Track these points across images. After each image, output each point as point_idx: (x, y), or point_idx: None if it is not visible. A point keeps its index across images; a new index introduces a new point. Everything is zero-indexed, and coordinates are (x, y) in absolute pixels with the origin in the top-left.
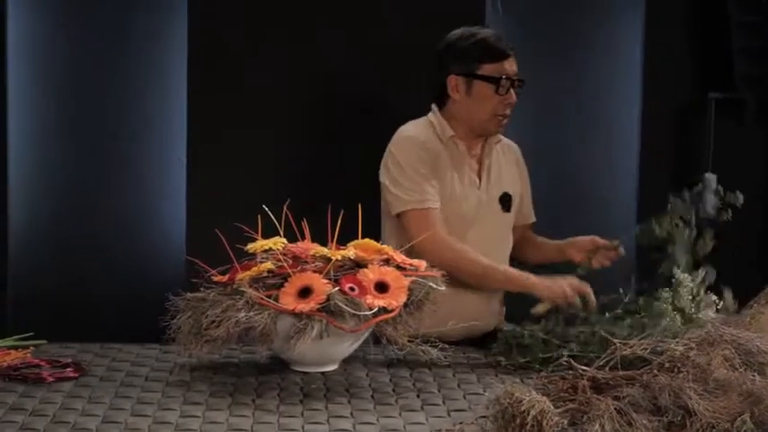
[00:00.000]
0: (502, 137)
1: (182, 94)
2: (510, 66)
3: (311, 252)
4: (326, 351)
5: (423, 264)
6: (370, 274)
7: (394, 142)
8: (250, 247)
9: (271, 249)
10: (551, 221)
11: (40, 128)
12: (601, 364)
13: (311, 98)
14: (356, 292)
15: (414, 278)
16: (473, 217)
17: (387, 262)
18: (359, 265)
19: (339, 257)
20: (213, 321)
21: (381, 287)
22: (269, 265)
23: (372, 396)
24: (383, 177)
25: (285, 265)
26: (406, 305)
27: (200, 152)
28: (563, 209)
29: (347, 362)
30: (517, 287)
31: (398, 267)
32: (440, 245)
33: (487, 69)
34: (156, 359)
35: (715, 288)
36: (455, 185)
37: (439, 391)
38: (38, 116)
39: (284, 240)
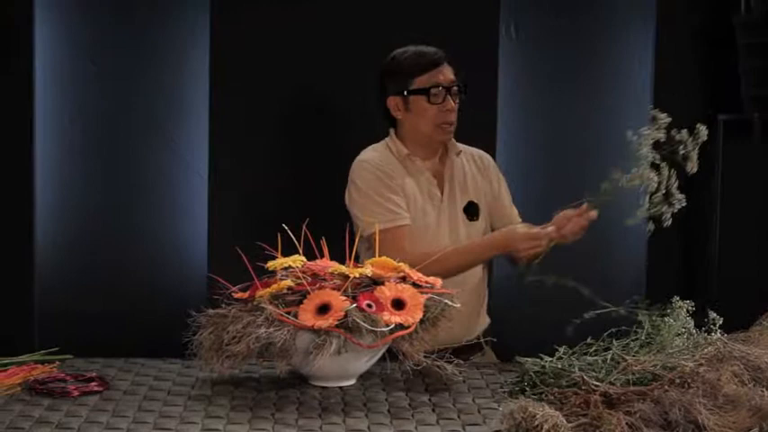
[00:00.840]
0: (463, 147)
1: (203, 114)
2: (442, 74)
3: (330, 270)
4: (344, 366)
5: (438, 281)
6: (387, 292)
7: (353, 169)
8: (270, 264)
9: (290, 267)
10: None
11: (64, 147)
12: (613, 379)
13: (334, 117)
14: (373, 308)
15: (429, 295)
16: (437, 229)
17: (403, 279)
18: (376, 282)
19: (357, 275)
20: (234, 337)
21: (398, 304)
22: (288, 282)
23: (389, 410)
24: (350, 207)
25: (304, 282)
26: (421, 321)
27: (222, 171)
28: None
29: (364, 377)
30: (499, 249)
31: (415, 285)
32: (415, 259)
33: (419, 82)
34: (179, 374)
35: (702, 311)
36: (417, 201)
37: (454, 405)
38: (62, 136)
39: (303, 258)
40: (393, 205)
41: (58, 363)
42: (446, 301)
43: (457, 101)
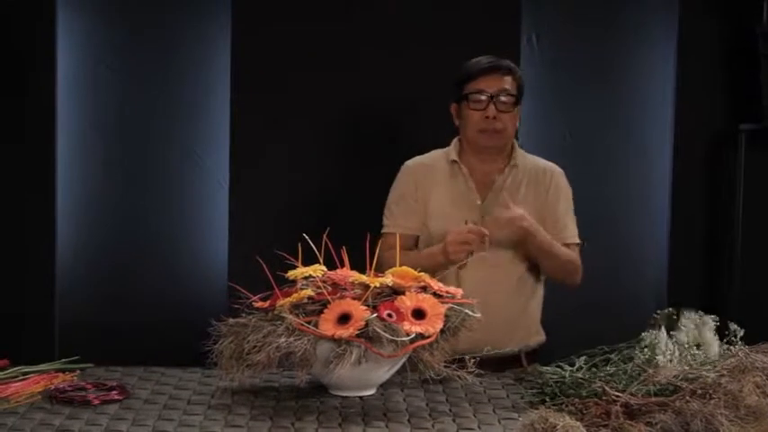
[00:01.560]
0: (532, 160)
1: (224, 123)
2: (488, 82)
3: (350, 279)
4: (365, 376)
5: (459, 291)
6: (408, 301)
7: None
8: (291, 273)
9: (311, 276)
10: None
11: (85, 157)
12: (634, 390)
13: (353, 126)
14: (394, 318)
15: (450, 305)
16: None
17: (424, 289)
18: (396, 292)
19: (377, 284)
20: (254, 346)
21: (418, 314)
22: (309, 291)
23: (409, 420)
24: None
25: (325, 291)
26: (442, 331)
27: (243, 180)
28: (594, 238)
29: (384, 386)
30: (434, 263)
31: (435, 295)
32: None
33: (467, 88)
34: (199, 383)
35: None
36: (445, 204)
37: (474, 415)
38: (83, 146)
39: (324, 267)
40: (398, 211)
41: (78, 371)
42: (467, 311)
43: (506, 110)
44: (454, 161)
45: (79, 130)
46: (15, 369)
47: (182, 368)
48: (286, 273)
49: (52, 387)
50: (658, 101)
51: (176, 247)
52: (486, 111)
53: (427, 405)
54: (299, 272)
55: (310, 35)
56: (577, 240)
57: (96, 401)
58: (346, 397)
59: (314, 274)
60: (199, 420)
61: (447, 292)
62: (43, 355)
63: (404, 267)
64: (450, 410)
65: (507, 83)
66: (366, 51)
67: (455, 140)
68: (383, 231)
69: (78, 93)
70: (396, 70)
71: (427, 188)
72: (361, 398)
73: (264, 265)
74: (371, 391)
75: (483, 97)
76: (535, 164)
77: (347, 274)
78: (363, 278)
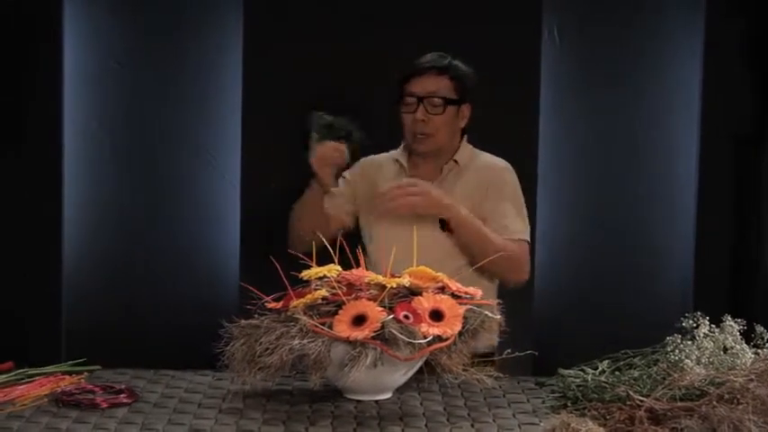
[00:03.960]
0: (479, 156)
1: (236, 121)
2: (419, 84)
3: (366, 279)
4: (380, 379)
5: (478, 292)
6: (425, 303)
7: None
8: (304, 274)
9: (325, 276)
10: (606, 248)
11: (93, 156)
12: (659, 395)
13: (368, 125)
14: (411, 320)
15: (469, 306)
16: (405, 233)
17: (442, 290)
18: (413, 292)
19: (394, 285)
20: (267, 348)
21: (436, 315)
22: (323, 292)
23: (426, 425)
24: None
25: (339, 292)
26: (460, 334)
27: (254, 179)
28: (619, 240)
29: (401, 390)
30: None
31: (453, 296)
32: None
33: (403, 89)
34: (210, 386)
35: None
36: None
37: (494, 420)
38: (91, 145)
39: (339, 268)
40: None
41: (85, 374)
42: (486, 312)
43: (436, 113)
44: (396, 160)
45: (87, 128)
46: (21, 371)
47: (192, 371)
48: (299, 273)
49: (59, 390)
50: (684, 100)
51: (187, 247)
52: (415, 114)
53: (445, 409)
54: (314, 272)
55: (323, 32)
56: (523, 237)
57: (104, 405)
58: (361, 401)
59: (328, 275)
60: (210, 425)
61: (466, 293)
62: (50, 357)
63: (421, 267)
64: (469, 415)
65: (442, 84)
66: (380, 49)
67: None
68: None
69: (86, 89)
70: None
71: (371, 185)
72: (376, 402)
73: (278, 265)
74: (387, 395)
75: (412, 100)
76: (482, 161)
77: (363, 274)
78: (379, 278)
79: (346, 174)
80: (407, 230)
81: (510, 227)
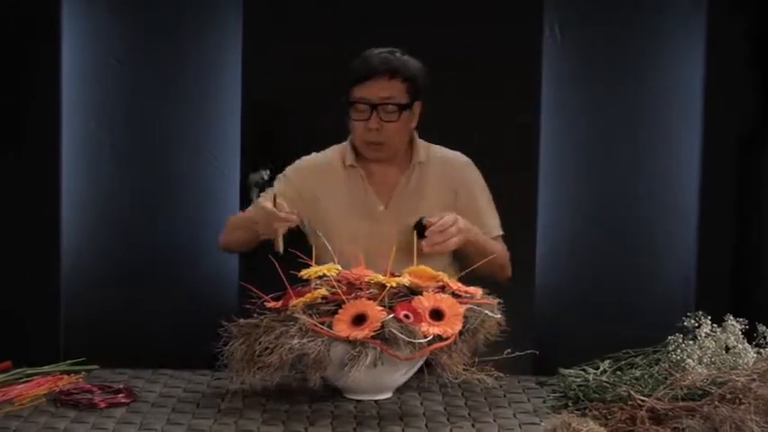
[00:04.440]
0: (436, 153)
1: (235, 120)
2: (372, 88)
3: (366, 279)
4: (380, 379)
5: (479, 291)
6: (425, 302)
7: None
8: (304, 273)
9: (325, 275)
10: (607, 247)
11: (91, 155)
12: (660, 394)
13: None
14: (411, 319)
15: (469, 306)
16: (373, 243)
17: (442, 289)
18: (414, 292)
19: (394, 284)
20: (266, 348)
21: (436, 314)
22: (323, 291)
23: (426, 425)
24: None
25: (339, 291)
26: (461, 333)
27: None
28: (621, 239)
29: (401, 390)
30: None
31: (454, 295)
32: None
33: (352, 93)
34: (208, 385)
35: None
36: (343, 211)
37: (495, 420)
38: (89, 143)
39: (338, 267)
40: (274, 191)
41: (84, 373)
42: (486, 311)
43: (391, 120)
44: (351, 165)
45: (85, 128)
46: (19, 371)
47: (191, 370)
48: (299, 272)
49: (57, 389)
50: (685, 99)
51: (186, 246)
52: (368, 122)
53: (445, 409)
54: (313, 271)
55: (324, 31)
56: (500, 232)
57: (103, 404)
58: (361, 401)
59: (328, 274)
60: (209, 425)
61: (466, 292)
62: (48, 357)
63: (421, 267)
64: (470, 415)
65: (395, 88)
66: (379, 46)
67: (348, 139)
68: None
69: (85, 89)
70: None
71: (316, 194)
72: (376, 402)
73: (277, 264)
74: (387, 395)
75: (364, 107)
76: (440, 157)
77: (363, 273)
78: (379, 278)
79: (289, 173)
80: (364, 227)
81: (488, 225)
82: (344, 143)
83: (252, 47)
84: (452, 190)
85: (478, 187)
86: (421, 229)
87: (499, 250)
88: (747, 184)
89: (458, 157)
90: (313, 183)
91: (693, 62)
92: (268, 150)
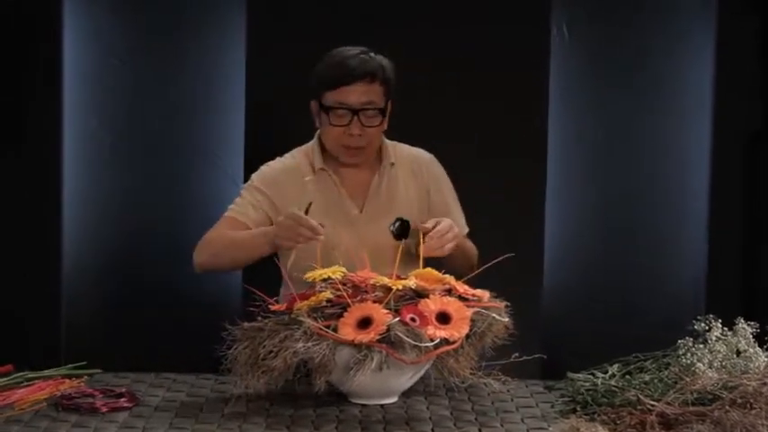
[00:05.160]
0: (402, 151)
1: (239, 120)
2: (352, 92)
3: (371, 282)
4: (386, 383)
5: (486, 294)
6: (432, 305)
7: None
8: (309, 276)
9: (330, 278)
10: (615, 248)
11: (93, 155)
12: (670, 399)
13: None
14: (417, 322)
15: (476, 309)
16: (351, 248)
17: (449, 292)
18: (420, 295)
19: (400, 287)
20: (270, 351)
21: (443, 318)
22: (328, 294)
23: (433, 430)
24: None
25: (344, 294)
26: (468, 336)
27: None
28: (629, 240)
29: (407, 394)
30: (267, 236)
31: (461, 298)
32: (210, 233)
33: (327, 97)
34: (212, 390)
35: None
36: (316, 218)
37: (502, 425)
38: (91, 144)
39: (343, 269)
40: (249, 203)
41: (85, 377)
42: (494, 314)
43: (371, 125)
44: (322, 169)
45: (86, 127)
46: (20, 375)
47: (194, 374)
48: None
49: (58, 394)
50: (695, 98)
51: (189, 248)
52: (349, 128)
53: (452, 413)
54: (318, 274)
55: (327, 30)
56: (467, 229)
57: (104, 409)
58: (367, 405)
59: (333, 277)
60: (212, 429)
61: (473, 296)
62: (49, 361)
63: (428, 269)
64: (476, 419)
65: (374, 92)
66: (384, 45)
67: (315, 142)
68: (226, 214)
69: (86, 88)
70: (418, 65)
71: (287, 200)
72: (382, 406)
73: (282, 267)
74: (393, 399)
75: (344, 112)
76: (407, 155)
77: (368, 276)
78: (385, 280)
79: (256, 182)
80: (341, 231)
81: (457, 222)
82: (309, 145)
83: (254, 46)
84: (423, 188)
85: (445, 184)
86: (404, 230)
87: (470, 246)
88: (758, 184)
89: (422, 154)
90: (284, 190)
91: (703, 61)
92: (271, 151)
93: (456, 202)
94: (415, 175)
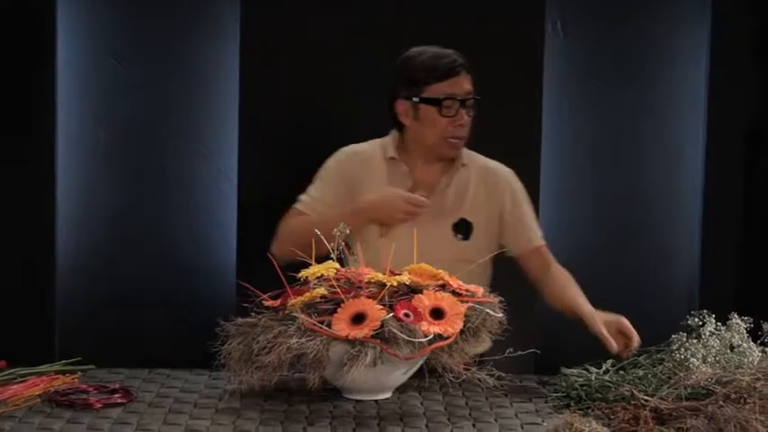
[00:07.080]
0: (478, 159)
1: (233, 118)
2: (458, 84)
3: (365, 277)
4: (380, 379)
5: (480, 290)
6: (426, 300)
7: None
8: (303, 273)
9: (323, 275)
10: (610, 245)
11: (87, 153)
12: (664, 394)
13: (366, 123)
14: (411, 318)
15: (470, 304)
16: (409, 241)
17: (443, 288)
18: (414, 290)
19: (394, 283)
20: (264, 347)
21: (437, 313)
22: (322, 290)
23: (427, 425)
24: None
25: (338, 290)
26: (462, 332)
27: (252, 176)
28: (624, 237)
29: (401, 389)
30: (360, 219)
31: (454, 293)
32: (286, 219)
33: (432, 90)
34: (206, 385)
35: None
36: None
37: (496, 420)
38: (86, 141)
39: (337, 265)
40: (315, 193)
41: (79, 373)
42: (488, 310)
43: (472, 114)
44: (392, 158)
45: (82, 125)
46: (13, 371)
47: (188, 370)
48: (298, 272)
49: (52, 390)
50: (690, 96)
51: (183, 245)
52: (457, 117)
53: (446, 409)
54: (311, 271)
55: (321, 31)
56: (543, 241)
57: (98, 405)
58: (361, 401)
59: (326, 273)
60: (206, 425)
61: (467, 291)
62: (43, 356)
63: (422, 264)
64: (470, 415)
65: (471, 83)
66: (378, 44)
67: (392, 134)
68: (296, 206)
69: (81, 87)
70: None
71: (357, 183)
72: (376, 402)
73: (275, 263)
74: (387, 395)
75: (451, 102)
76: (482, 164)
77: (362, 272)
78: (379, 276)
79: (332, 162)
80: (407, 227)
81: (537, 233)
82: (386, 138)
83: (248, 45)
84: (497, 200)
85: (524, 196)
86: (463, 229)
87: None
88: (753, 181)
89: (501, 167)
90: (357, 172)
91: (698, 59)
92: (267, 150)
93: (533, 216)
94: (490, 186)
